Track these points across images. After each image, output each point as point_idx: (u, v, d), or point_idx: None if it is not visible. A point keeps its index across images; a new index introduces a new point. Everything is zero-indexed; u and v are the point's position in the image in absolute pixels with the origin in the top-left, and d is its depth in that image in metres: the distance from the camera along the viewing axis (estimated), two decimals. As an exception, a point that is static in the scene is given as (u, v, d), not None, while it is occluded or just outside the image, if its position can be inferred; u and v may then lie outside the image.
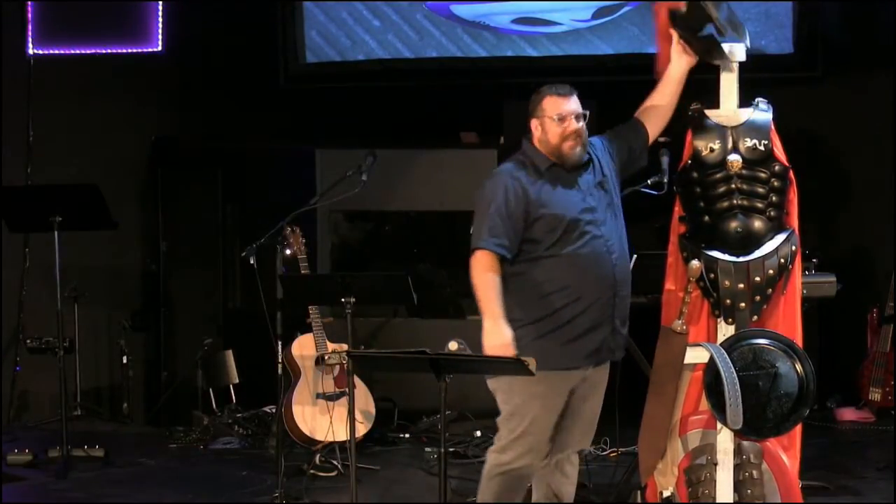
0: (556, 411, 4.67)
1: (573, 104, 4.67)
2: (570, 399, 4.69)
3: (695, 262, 4.37)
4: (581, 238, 4.57)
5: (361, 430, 6.79)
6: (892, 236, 8.05)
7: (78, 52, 8.67)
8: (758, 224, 4.38)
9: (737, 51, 4.50)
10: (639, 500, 4.98)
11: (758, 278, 4.36)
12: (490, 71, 8.87)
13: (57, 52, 8.66)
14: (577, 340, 4.56)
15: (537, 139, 4.69)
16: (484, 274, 4.54)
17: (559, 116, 4.63)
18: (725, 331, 4.41)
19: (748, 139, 4.41)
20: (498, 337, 4.46)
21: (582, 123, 4.66)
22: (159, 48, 8.69)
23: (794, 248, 4.40)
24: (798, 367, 4.31)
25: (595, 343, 4.63)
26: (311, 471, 6.69)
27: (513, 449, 4.64)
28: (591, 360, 4.65)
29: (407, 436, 7.73)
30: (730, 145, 4.41)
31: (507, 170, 4.70)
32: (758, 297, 4.38)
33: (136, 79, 8.72)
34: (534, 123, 4.70)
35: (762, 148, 4.40)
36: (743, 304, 4.37)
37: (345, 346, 6.50)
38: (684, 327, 4.39)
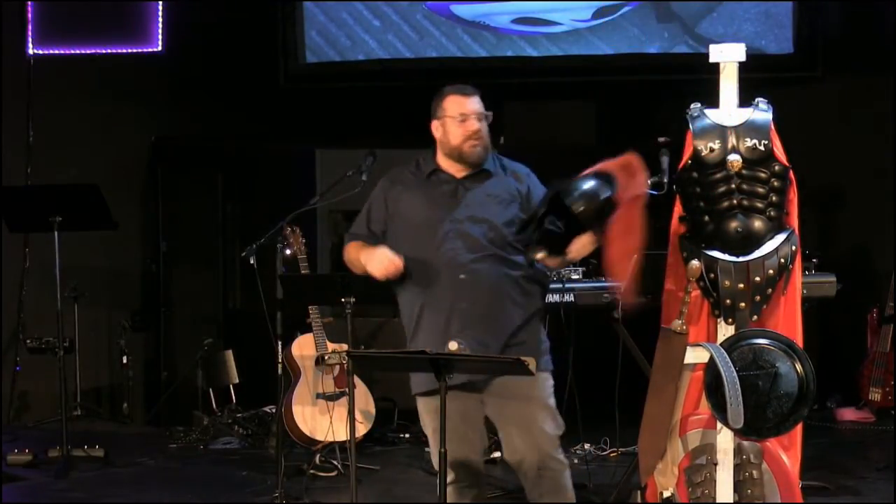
0: (453, 430, 4.37)
1: (475, 104, 4.56)
2: (488, 409, 4.55)
3: (695, 262, 4.37)
4: (436, 250, 4.47)
5: (361, 430, 6.79)
6: (892, 236, 8.05)
7: (78, 52, 8.68)
8: (758, 224, 4.38)
9: (736, 51, 4.49)
10: (639, 500, 4.98)
11: (758, 278, 4.36)
12: (490, 71, 8.88)
13: (57, 52, 8.66)
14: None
15: (438, 141, 4.62)
16: (348, 253, 4.62)
17: (462, 116, 4.55)
18: (725, 331, 4.41)
19: (748, 139, 4.40)
20: (377, 257, 4.43)
21: (483, 124, 4.55)
22: (159, 48, 8.70)
23: (794, 247, 4.40)
24: (798, 367, 4.31)
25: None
26: (311, 471, 6.70)
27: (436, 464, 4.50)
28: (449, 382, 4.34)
29: (407, 436, 7.73)
30: (730, 145, 4.40)
31: (394, 171, 4.68)
32: (758, 297, 4.38)
33: (136, 79, 8.73)
34: (434, 125, 4.63)
35: (762, 148, 4.40)
36: (743, 304, 4.37)
37: (345, 346, 6.50)
38: (684, 327, 4.39)
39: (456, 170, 4.60)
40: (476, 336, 4.43)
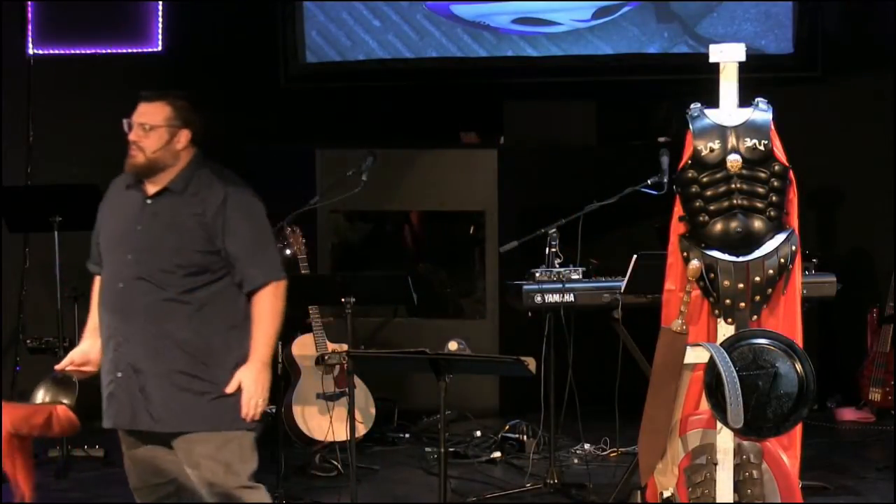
0: (141, 479, 4.46)
1: (140, 112, 4.47)
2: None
3: (695, 262, 4.37)
4: (110, 266, 4.34)
5: (361, 430, 6.79)
6: (892, 236, 8.05)
7: (78, 52, 8.67)
8: (758, 224, 4.38)
9: (736, 51, 4.49)
10: (639, 500, 4.98)
11: (758, 278, 4.36)
12: (490, 71, 8.87)
13: (57, 52, 8.65)
14: (104, 388, 4.38)
15: None
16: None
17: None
18: (725, 331, 4.41)
19: (748, 139, 4.40)
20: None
21: (137, 133, 4.45)
22: (159, 48, 8.69)
23: (794, 247, 4.41)
24: (798, 367, 4.31)
25: (108, 397, 4.36)
26: (312, 471, 6.70)
27: None
28: (116, 419, 4.37)
29: (407, 436, 7.73)
30: (730, 145, 4.40)
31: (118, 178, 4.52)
32: (758, 297, 4.38)
33: (136, 79, 8.71)
34: None
35: (762, 148, 4.40)
36: (743, 304, 4.37)
37: (345, 346, 6.49)
38: (684, 327, 4.39)
39: (147, 185, 4.40)
40: (131, 364, 4.27)
